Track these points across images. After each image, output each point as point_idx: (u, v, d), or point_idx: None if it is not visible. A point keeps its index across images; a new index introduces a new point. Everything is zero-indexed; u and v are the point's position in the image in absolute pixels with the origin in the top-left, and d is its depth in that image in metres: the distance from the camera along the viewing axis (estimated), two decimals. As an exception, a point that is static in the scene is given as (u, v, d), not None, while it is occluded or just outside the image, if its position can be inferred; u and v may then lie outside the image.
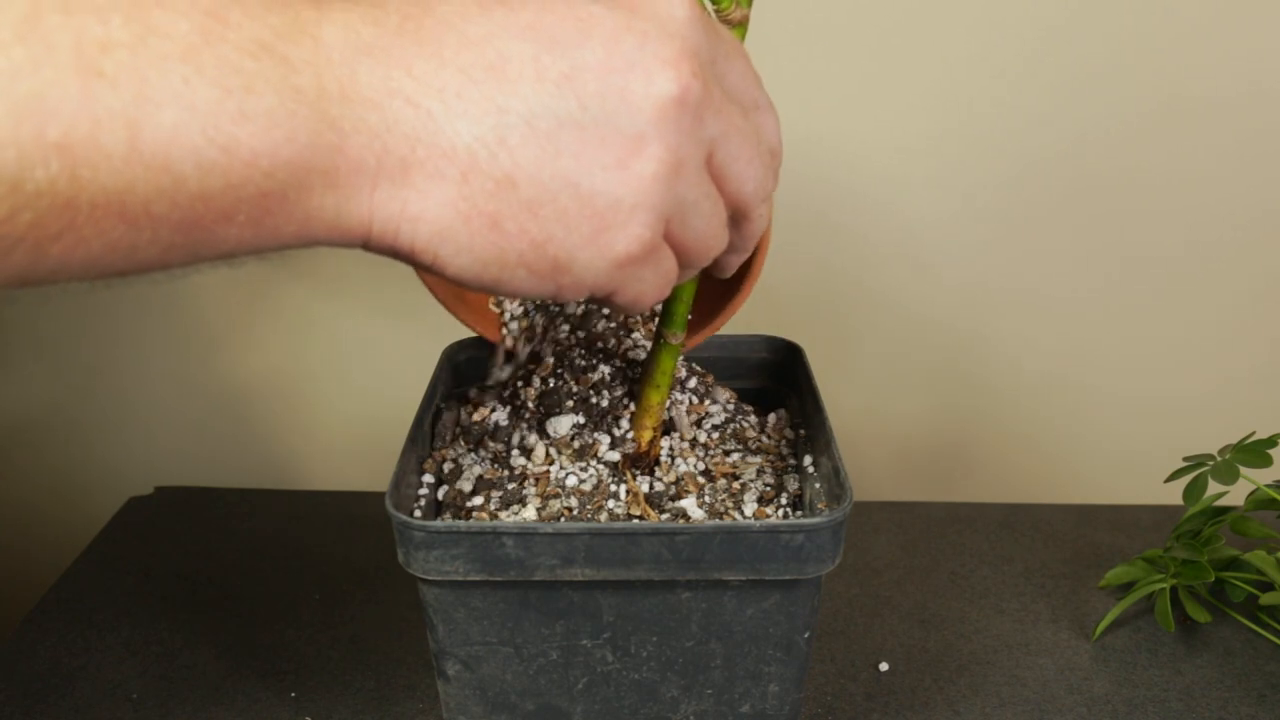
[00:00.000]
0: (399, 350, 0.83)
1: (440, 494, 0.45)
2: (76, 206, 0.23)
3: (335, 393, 0.86)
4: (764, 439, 0.49)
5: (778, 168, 0.35)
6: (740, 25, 0.37)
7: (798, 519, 0.42)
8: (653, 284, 0.33)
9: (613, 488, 0.44)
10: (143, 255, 0.25)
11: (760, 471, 0.46)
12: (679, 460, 0.46)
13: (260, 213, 0.26)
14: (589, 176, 0.29)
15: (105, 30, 0.23)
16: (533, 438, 0.47)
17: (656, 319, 0.47)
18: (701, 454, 0.47)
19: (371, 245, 0.29)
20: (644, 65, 0.29)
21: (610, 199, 0.29)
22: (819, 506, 0.43)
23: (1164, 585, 0.59)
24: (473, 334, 0.55)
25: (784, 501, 0.45)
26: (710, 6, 0.37)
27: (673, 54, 0.29)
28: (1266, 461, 0.57)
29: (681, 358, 0.54)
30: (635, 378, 0.50)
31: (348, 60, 0.27)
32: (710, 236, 0.33)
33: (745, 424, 0.50)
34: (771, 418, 0.51)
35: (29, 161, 0.22)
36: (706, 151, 0.31)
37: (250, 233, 0.27)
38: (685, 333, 0.45)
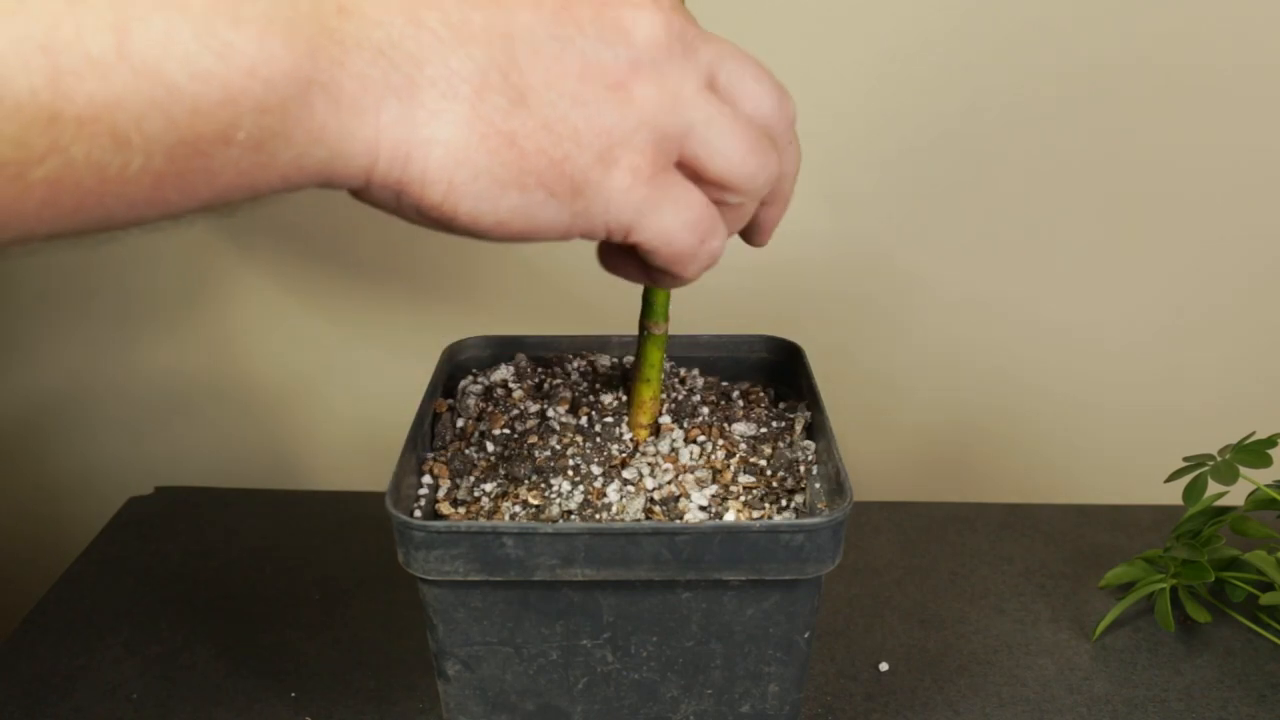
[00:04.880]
0: (399, 350, 0.83)
1: (440, 494, 0.45)
2: (61, 122, 0.22)
3: (335, 393, 0.86)
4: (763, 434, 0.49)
5: (791, 117, 0.35)
6: None
7: (798, 519, 0.42)
8: (676, 221, 0.31)
9: (612, 488, 0.44)
10: (134, 189, 0.24)
11: (761, 473, 0.46)
12: (679, 457, 0.46)
13: (260, 133, 0.25)
14: (595, 97, 0.29)
15: None
16: (533, 438, 0.47)
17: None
18: (701, 454, 0.47)
19: (375, 180, 0.28)
20: (633, 1, 0.30)
21: (615, 118, 0.29)
22: (819, 506, 0.43)
23: (1164, 585, 0.59)
24: (472, 334, 0.55)
25: (784, 502, 0.45)
26: None
27: None
28: (1266, 461, 0.57)
29: (697, 372, 0.54)
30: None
31: None
32: (742, 151, 0.32)
33: (746, 419, 0.50)
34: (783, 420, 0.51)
35: (8, 70, 0.21)
36: (706, 74, 0.32)
37: (249, 160, 0.25)
38: (668, 323, 0.44)
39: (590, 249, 0.36)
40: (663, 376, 0.51)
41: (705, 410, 0.50)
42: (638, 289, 0.43)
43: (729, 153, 0.32)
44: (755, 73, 0.33)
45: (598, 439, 0.47)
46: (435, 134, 0.28)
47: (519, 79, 0.28)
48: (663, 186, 0.31)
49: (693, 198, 0.32)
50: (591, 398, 0.50)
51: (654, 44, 0.30)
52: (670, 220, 0.31)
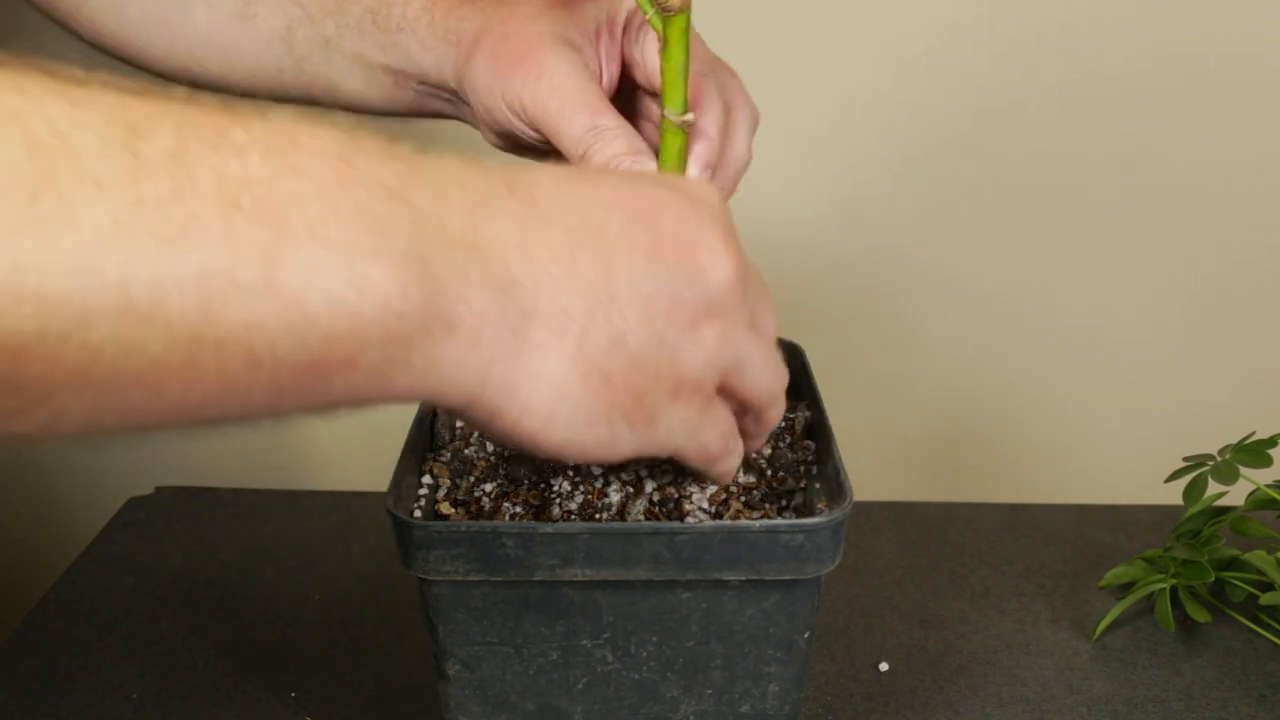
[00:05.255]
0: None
1: (440, 494, 0.45)
2: (203, 342, 0.23)
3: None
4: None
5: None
6: (682, 11, 0.36)
7: (798, 519, 0.42)
8: (713, 437, 0.35)
9: (612, 488, 0.44)
10: (255, 399, 0.25)
11: (761, 473, 0.46)
12: None
13: (383, 359, 0.26)
14: (675, 336, 0.31)
15: (244, 167, 0.23)
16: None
17: None
18: None
19: (478, 404, 0.29)
20: (708, 243, 0.32)
21: (689, 357, 0.32)
22: (819, 506, 0.43)
23: (1164, 585, 0.59)
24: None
25: (784, 502, 0.45)
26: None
27: (724, 234, 0.33)
28: (1266, 461, 0.57)
29: None
30: None
31: (468, 211, 0.28)
32: (769, 381, 0.36)
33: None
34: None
35: (163, 290, 0.22)
36: (751, 311, 0.34)
37: (368, 381, 0.26)
38: None
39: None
40: None
41: None
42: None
43: (763, 383, 0.35)
44: (772, 305, 0.36)
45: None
46: (542, 368, 0.29)
47: (619, 317, 0.30)
48: (708, 412, 0.34)
49: (725, 415, 0.36)
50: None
51: (725, 287, 0.32)
52: (710, 437, 0.35)
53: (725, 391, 0.35)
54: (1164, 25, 0.71)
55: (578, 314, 0.29)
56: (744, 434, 0.39)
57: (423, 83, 0.47)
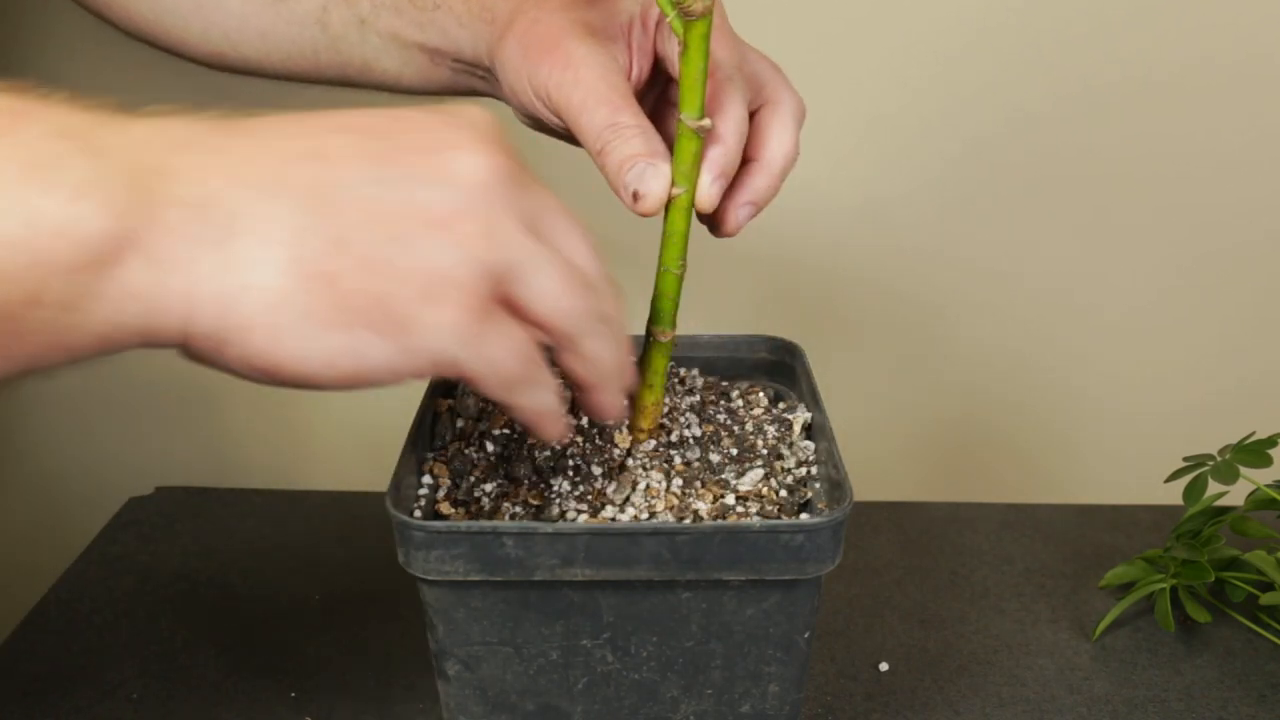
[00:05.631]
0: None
1: (440, 494, 0.45)
2: None
3: (335, 393, 0.86)
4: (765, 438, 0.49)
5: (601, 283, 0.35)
6: (704, 17, 0.36)
7: (798, 519, 0.42)
8: (503, 355, 0.32)
9: (612, 488, 0.44)
10: None
11: (767, 475, 0.46)
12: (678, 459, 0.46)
13: (70, 292, 0.25)
14: (416, 235, 0.30)
15: None
16: (533, 438, 0.47)
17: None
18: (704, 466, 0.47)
19: (196, 332, 0.28)
20: (460, 146, 0.31)
21: (437, 254, 0.30)
22: (819, 506, 0.43)
23: (1164, 585, 0.59)
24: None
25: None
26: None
27: (482, 137, 0.31)
28: (1266, 461, 0.57)
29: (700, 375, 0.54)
30: None
31: (162, 148, 0.27)
32: (564, 295, 0.33)
33: (747, 419, 0.50)
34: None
35: None
36: (529, 217, 0.32)
37: (62, 320, 0.26)
38: (674, 330, 0.44)
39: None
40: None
41: (707, 412, 0.50)
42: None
43: (556, 296, 0.32)
44: (576, 226, 0.34)
45: (597, 439, 0.47)
46: (253, 279, 0.28)
47: (339, 220, 0.29)
48: (486, 320, 0.31)
49: (515, 330, 0.32)
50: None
51: (478, 184, 0.30)
52: (495, 348, 0.31)
53: (511, 307, 0.32)
54: (1184, 30, 0.71)
55: (287, 223, 0.28)
56: (578, 384, 0.35)
57: (458, 60, 0.47)
